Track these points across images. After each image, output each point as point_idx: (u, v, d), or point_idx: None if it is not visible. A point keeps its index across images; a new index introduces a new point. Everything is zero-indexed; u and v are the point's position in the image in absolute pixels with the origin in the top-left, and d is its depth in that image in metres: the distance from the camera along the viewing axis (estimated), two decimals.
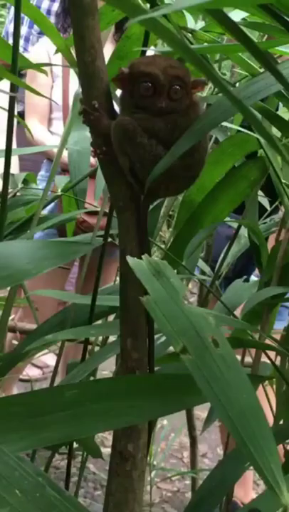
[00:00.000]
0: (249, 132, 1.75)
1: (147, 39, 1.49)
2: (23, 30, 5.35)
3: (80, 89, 2.14)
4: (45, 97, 2.01)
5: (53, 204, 2.52)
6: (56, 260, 1.30)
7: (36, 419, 1.05)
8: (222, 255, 2.42)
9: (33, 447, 1.23)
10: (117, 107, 1.33)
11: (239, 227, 2.25)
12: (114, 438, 1.77)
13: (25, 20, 5.26)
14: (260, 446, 0.82)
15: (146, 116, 1.26)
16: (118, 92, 1.35)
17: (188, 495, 4.49)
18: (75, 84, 4.23)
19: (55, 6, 5.05)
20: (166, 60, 1.28)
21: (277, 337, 1.91)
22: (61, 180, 2.37)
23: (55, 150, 3.88)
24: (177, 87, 1.26)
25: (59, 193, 2.25)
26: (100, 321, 1.92)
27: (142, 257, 1.11)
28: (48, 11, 5.26)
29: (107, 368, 4.04)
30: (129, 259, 1.10)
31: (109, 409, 1.07)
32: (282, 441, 1.63)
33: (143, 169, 1.25)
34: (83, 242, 1.67)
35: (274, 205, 2.73)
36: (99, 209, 2.09)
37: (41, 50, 4.21)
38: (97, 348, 2.45)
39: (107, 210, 1.96)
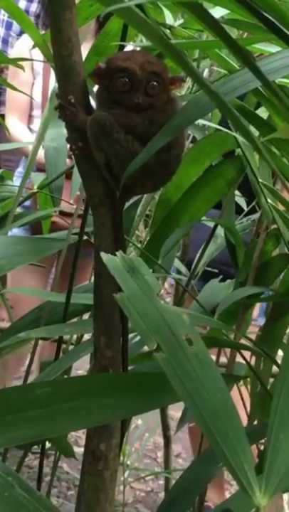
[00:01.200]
0: (227, 131, 1.74)
1: (125, 34, 1.47)
2: (0, 31, 5.30)
3: (56, 85, 2.15)
4: (26, 94, 1.98)
5: (29, 201, 2.50)
6: (30, 256, 1.29)
7: (7, 417, 1.03)
8: (198, 255, 2.41)
9: (4, 446, 1.21)
10: (93, 102, 1.31)
11: (216, 226, 2.24)
12: (87, 437, 1.76)
13: (3, 21, 5.21)
14: (233, 446, 0.81)
15: (123, 111, 1.25)
16: (95, 88, 1.34)
17: (162, 495, 4.47)
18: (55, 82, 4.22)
19: (34, 7, 5.03)
20: (144, 56, 1.27)
21: None
22: (37, 178, 2.35)
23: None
24: (154, 83, 1.25)
25: (35, 190, 2.23)
26: (74, 320, 1.90)
27: (116, 253, 1.10)
28: (27, 12, 5.22)
29: (81, 367, 4.03)
30: (103, 255, 1.09)
31: (82, 408, 1.05)
32: (256, 441, 1.62)
33: (119, 165, 1.24)
34: (58, 238, 1.65)
35: (251, 205, 2.73)
36: (74, 207, 2.07)
37: (23, 46, 4.16)
38: (71, 347, 2.43)
39: (81, 212, 1.95)
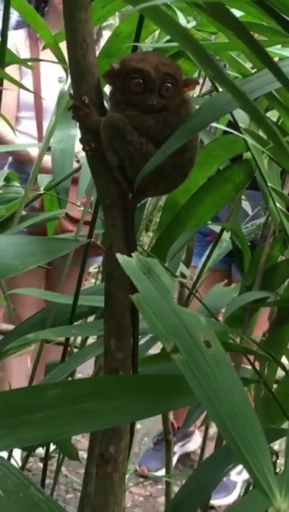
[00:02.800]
0: (237, 133, 1.74)
1: (139, 36, 1.47)
2: None
3: (65, 87, 2.15)
4: (30, 90, 1.96)
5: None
6: (42, 257, 1.28)
7: (17, 418, 1.02)
8: (203, 259, 2.41)
9: (13, 447, 1.20)
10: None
11: (222, 230, 2.24)
12: (91, 440, 1.75)
13: None
14: (252, 448, 0.80)
15: (136, 113, 1.25)
16: (106, 88, 1.33)
17: (161, 499, 4.47)
18: (44, 81, 4.18)
19: None
20: (158, 57, 1.27)
21: None
22: (44, 179, 2.34)
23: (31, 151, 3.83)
24: (168, 85, 1.24)
25: (41, 191, 2.23)
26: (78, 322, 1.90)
27: (132, 254, 1.09)
28: None
29: (82, 371, 4.03)
30: (119, 256, 1.08)
31: (93, 410, 1.04)
32: None
33: (132, 167, 1.24)
34: (70, 239, 1.64)
35: (256, 209, 2.73)
36: (81, 211, 2.06)
37: (9, 43, 4.09)
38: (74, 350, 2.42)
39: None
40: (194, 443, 4.91)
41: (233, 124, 1.79)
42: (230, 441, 0.81)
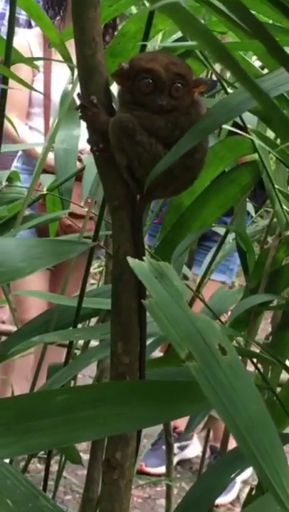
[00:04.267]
0: (244, 134, 1.72)
1: (147, 35, 1.45)
2: None
3: (69, 86, 2.13)
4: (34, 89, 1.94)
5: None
6: (50, 259, 1.26)
7: (24, 424, 1.00)
8: (207, 261, 2.39)
9: (19, 454, 1.18)
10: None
11: (227, 232, 2.22)
12: (94, 443, 1.73)
13: None
14: (270, 460, 0.78)
15: (146, 113, 1.22)
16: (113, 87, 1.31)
17: (160, 501, 4.44)
18: (56, 79, 4.16)
19: None
20: (168, 57, 1.25)
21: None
22: (47, 179, 2.32)
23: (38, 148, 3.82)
24: (179, 85, 1.22)
25: (44, 191, 2.20)
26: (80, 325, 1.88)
27: (144, 258, 1.07)
28: None
29: (82, 372, 3.99)
30: (130, 260, 1.06)
31: (101, 416, 1.02)
32: None
33: (141, 168, 1.21)
34: (79, 242, 1.62)
35: (260, 211, 2.71)
36: (86, 210, 2.04)
37: (22, 41, 4.07)
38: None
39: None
40: (193, 450, 4.90)
41: (237, 125, 1.77)
42: (248, 452, 0.79)
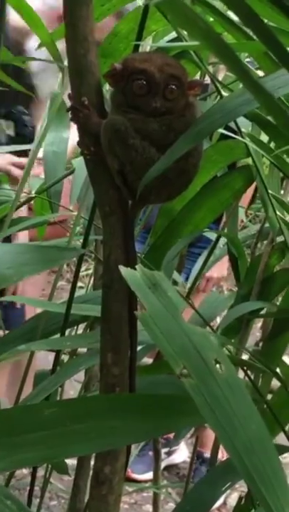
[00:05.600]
0: (239, 138, 1.68)
1: (141, 35, 1.40)
2: None
3: (58, 87, 2.09)
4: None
5: None
6: (39, 266, 1.22)
7: (12, 438, 0.96)
8: (198, 267, 2.35)
9: (7, 469, 1.14)
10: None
11: (218, 237, 2.18)
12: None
13: None
14: (272, 487, 0.74)
15: (139, 116, 1.18)
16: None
17: (146, 507, 4.41)
18: None
19: None
20: (162, 58, 1.21)
21: None
22: (35, 182, 2.28)
23: None
24: (173, 87, 1.18)
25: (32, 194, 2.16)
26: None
27: (136, 267, 1.02)
28: None
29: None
30: (122, 269, 1.01)
31: (91, 430, 0.98)
32: None
33: (133, 172, 1.17)
34: (67, 247, 1.58)
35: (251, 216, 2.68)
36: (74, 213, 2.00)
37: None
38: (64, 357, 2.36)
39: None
40: (180, 455, 4.86)
41: (229, 129, 1.74)
42: (247, 476, 0.75)
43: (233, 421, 0.79)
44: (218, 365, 0.89)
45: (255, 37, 1.23)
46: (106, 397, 1.15)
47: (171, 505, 4.32)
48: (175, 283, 2.60)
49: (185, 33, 1.40)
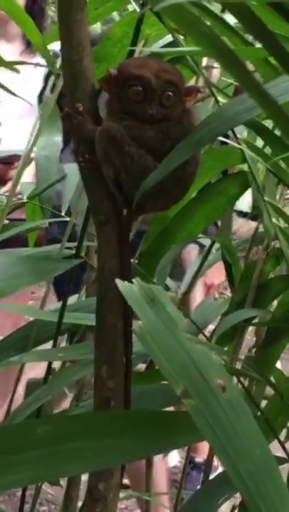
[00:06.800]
0: (234, 144, 1.65)
1: (136, 39, 1.37)
2: None
3: (49, 92, 2.06)
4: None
5: None
6: (32, 278, 1.18)
7: (4, 458, 0.92)
8: (191, 272, 2.32)
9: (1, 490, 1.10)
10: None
11: (213, 243, 2.15)
12: None
13: None
14: None
15: (135, 123, 1.15)
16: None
17: None
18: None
19: None
20: (158, 63, 1.18)
21: None
22: (27, 187, 2.24)
23: None
24: (170, 93, 1.15)
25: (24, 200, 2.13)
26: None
27: (134, 280, 0.99)
28: None
29: None
30: (119, 282, 0.98)
31: (86, 449, 0.95)
32: None
33: (129, 181, 1.14)
34: (58, 259, 1.55)
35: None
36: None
37: None
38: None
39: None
40: (171, 460, 4.82)
41: (224, 135, 1.71)
42: (252, 504, 0.71)
43: (236, 445, 0.76)
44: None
45: (253, 43, 1.21)
46: (100, 414, 1.12)
47: (162, 509, 4.30)
48: (167, 288, 2.57)
49: (181, 37, 1.37)
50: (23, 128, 3.54)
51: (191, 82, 1.70)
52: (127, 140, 1.13)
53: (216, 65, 1.93)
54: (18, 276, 1.16)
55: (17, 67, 1.65)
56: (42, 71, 3.57)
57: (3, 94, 1.94)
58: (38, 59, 3.34)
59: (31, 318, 1.79)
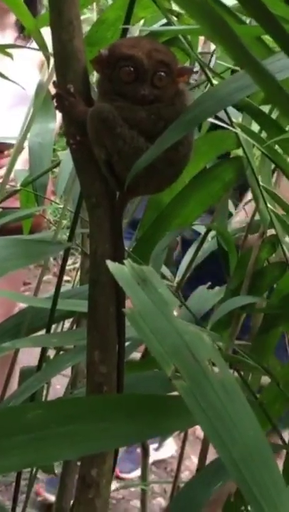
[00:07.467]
0: (230, 128, 1.63)
1: (129, 20, 1.35)
2: None
3: (44, 78, 2.04)
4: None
5: None
6: (24, 261, 1.16)
7: None
8: (186, 260, 2.31)
9: None
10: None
11: (208, 231, 2.13)
12: None
13: None
14: (272, 501, 0.68)
15: (126, 104, 1.13)
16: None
17: (133, 502, 4.38)
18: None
19: None
20: (151, 43, 1.16)
21: None
22: (20, 174, 2.22)
23: None
24: (162, 74, 1.13)
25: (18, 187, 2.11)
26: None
27: (125, 262, 0.97)
28: None
29: None
30: (110, 264, 0.96)
31: (78, 433, 0.93)
32: None
33: (121, 162, 1.12)
34: (50, 242, 1.53)
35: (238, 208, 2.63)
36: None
37: None
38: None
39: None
40: (167, 450, 4.82)
41: (219, 119, 1.69)
42: (246, 489, 0.69)
43: (229, 427, 0.74)
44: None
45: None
46: (92, 398, 1.10)
47: (159, 499, 4.30)
48: (163, 276, 2.56)
49: (175, 19, 1.35)
50: (14, 117, 3.55)
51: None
52: (118, 121, 1.12)
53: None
54: (9, 259, 1.14)
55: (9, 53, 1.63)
56: (35, 59, 3.57)
57: None
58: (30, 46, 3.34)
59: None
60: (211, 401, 0.77)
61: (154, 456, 4.67)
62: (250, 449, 0.73)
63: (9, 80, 1.80)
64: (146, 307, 0.87)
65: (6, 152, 3.39)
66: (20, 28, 3.69)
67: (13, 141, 2.15)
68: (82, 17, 1.16)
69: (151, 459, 4.55)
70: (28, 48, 1.78)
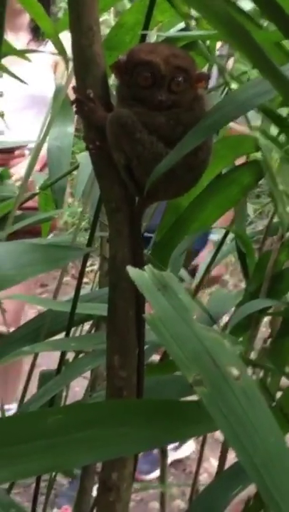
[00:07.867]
0: (248, 131, 1.63)
1: (147, 26, 1.35)
2: None
3: (63, 81, 2.04)
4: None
5: None
6: (43, 266, 1.17)
7: (14, 447, 0.91)
8: (204, 263, 2.31)
9: (8, 480, 1.09)
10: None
11: (226, 233, 2.13)
12: None
13: None
14: None
15: (145, 110, 1.14)
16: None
17: (152, 504, 4.38)
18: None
19: None
20: (169, 49, 1.16)
21: None
22: (39, 178, 2.23)
23: None
24: (179, 79, 1.14)
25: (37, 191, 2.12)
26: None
27: (145, 267, 0.97)
28: None
29: None
30: (130, 269, 0.96)
31: (98, 438, 0.93)
32: None
33: (140, 168, 1.13)
34: (69, 247, 1.53)
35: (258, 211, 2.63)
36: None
37: None
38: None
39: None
40: (186, 450, 4.82)
41: None
42: (267, 495, 0.69)
43: (251, 433, 0.74)
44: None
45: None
46: (112, 403, 1.10)
47: (178, 501, 4.29)
48: (181, 280, 2.56)
49: (193, 23, 1.35)
50: (25, 119, 3.57)
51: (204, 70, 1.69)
52: (138, 126, 1.12)
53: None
54: (29, 265, 1.14)
55: (26, 56, 1.64)
56: (48, 61, 3.58)
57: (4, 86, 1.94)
58: (45, 48, 3.35)
59: (33, 310, 1.79)
60: (232, 407, 0.77)
61: (171, 455, 4.67)
62: (271, 455, 0.73)
63: (23, 81, 1.80)
64: (166, 313, 0.87)
65: (16, 152, 3.40)
66: (34, 30, 3.69)
67: (25, 144, 2.16)
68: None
69: (170, 459, 4.56)
70: (43, 51, 1.77)
